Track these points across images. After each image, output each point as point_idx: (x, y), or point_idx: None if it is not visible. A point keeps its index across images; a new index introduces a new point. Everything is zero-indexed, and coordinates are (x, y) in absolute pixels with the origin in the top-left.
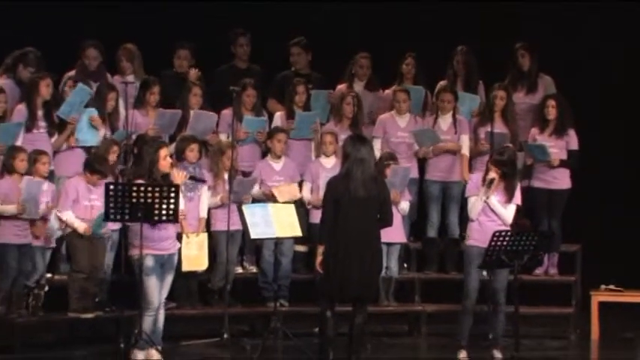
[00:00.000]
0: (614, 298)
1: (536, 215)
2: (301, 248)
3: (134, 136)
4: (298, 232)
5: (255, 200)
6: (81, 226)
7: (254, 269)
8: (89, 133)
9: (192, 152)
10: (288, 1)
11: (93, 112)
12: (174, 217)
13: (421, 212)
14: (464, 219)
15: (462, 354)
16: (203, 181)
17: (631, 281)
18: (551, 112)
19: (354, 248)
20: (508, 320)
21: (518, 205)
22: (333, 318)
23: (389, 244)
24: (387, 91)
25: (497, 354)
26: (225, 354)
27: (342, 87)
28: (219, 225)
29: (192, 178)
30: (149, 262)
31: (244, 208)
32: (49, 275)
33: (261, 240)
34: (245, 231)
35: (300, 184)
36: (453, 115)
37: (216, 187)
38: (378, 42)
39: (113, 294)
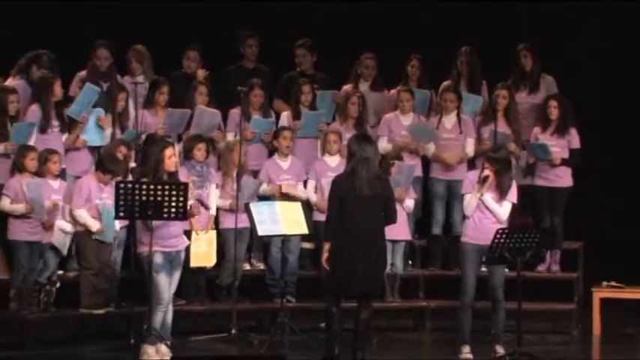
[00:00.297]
0: (615, 294)
1: (539, 213)
2: (308, 245)
3: (144, 136)
4: (305, 230)
5: (262, 198)
6: (94, 225)
7: (261, 266)
8: (95, 133)
9: (199, 151)
10: (290, 1)
11: (100, 112)
12: (183, 215)
13: (426, 210)
14: None
15: (465, 349)
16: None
17: (632, 278)
18: (554, 112)
19: (359, 245)
20: (510, 316)
21: (513, 203)
22: (339, 314)
23: (394, 242)
24: (392, 92)
25: (500, 349)
26: (233, 349)
27: (347, 87)
28: (228, 223)
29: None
30: (158, 259)
31: (252, 206)
32: (60, 272)
33: (269, 237)
34: (253, 228)
35: (305, 182)
36: (457, 115)
37: (225, 186)
38: (378, 42)
39: (123, 290)
